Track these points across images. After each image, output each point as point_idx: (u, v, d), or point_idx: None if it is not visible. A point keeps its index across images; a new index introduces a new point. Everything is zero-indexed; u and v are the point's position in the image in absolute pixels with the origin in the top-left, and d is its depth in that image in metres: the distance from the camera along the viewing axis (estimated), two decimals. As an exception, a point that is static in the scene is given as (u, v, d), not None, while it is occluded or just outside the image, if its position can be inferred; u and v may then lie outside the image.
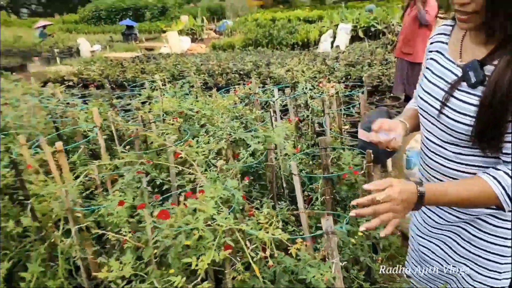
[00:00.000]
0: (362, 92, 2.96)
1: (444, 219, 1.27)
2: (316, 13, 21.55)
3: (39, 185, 2.00)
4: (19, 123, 2.69)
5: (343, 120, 2.64)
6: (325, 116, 2.31)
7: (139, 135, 2.23)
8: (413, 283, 1.51)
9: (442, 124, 1.12)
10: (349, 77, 6.76)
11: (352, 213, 0.97)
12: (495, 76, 0.98)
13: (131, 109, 3.12)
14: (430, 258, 1.37)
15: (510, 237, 1.17)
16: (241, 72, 7.83)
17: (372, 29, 16.06)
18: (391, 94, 6.11)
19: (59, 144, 1.96)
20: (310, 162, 2.13)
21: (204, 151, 1.78)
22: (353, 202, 1.00)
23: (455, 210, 1.22)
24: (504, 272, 1.21)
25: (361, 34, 15.87)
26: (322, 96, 2.56)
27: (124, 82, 7.90)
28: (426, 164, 1.25)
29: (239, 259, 1.29)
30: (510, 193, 1.01)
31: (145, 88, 3.38)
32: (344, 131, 2.75)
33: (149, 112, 2.62)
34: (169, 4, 29.65)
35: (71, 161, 2.39)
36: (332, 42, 14.56)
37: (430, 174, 1.24)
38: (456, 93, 1.08)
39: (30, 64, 13.75)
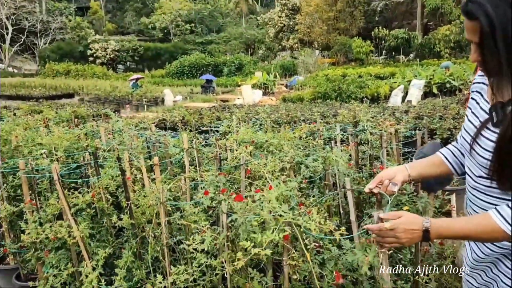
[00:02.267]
0: (421, 132, 3.12)
1: (483, 253, 1.32)
2: (388, 70, 21.55)
3: (136, 191, 2.47)
4: (122, 147, 3.30)
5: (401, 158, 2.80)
6: (383, 150, 2.52)
7: (216, 157, 2.65)
8: None
9: (474, 159, 1.25)
10: (417, 128, 6.74)
11: (365, 227, 1.25)
12: (509, 116, 1.10)
13: (210, 144, 3.62)
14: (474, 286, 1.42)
15: None
16: (308, 121, 8.19)
17: (448, 85, 15.73)
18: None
19: (155, 159, 2.43)
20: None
21: (270, 168, 2.11)
22: (365, 227, 1.28)
23: (493, 244, 1.27)
24: None
25: (435, 90, 15.58)
26: (381, 132, 2.78)
27: (201, 127, 8.74)
28: (468, 198, 1.36)
29: (294, 249, 1.54)
30: (510, 222, 1.09)
31: (223, 125, 3.89)
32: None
33: (226, 142, 3.06)
34: (245, 62, 32.15)
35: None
36: (404, 98, 14.42)
37: (471, 208, 1.34)
38: (484, 131, 1.19)
39: (122, 110, 15.74)
